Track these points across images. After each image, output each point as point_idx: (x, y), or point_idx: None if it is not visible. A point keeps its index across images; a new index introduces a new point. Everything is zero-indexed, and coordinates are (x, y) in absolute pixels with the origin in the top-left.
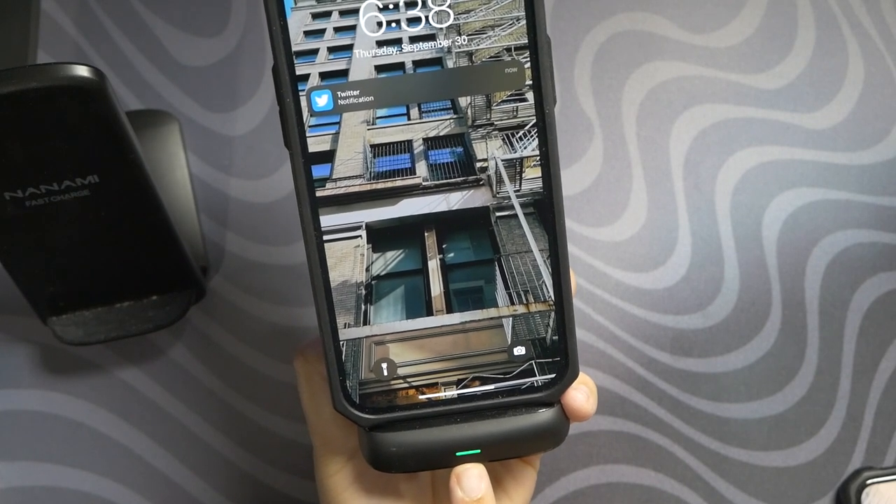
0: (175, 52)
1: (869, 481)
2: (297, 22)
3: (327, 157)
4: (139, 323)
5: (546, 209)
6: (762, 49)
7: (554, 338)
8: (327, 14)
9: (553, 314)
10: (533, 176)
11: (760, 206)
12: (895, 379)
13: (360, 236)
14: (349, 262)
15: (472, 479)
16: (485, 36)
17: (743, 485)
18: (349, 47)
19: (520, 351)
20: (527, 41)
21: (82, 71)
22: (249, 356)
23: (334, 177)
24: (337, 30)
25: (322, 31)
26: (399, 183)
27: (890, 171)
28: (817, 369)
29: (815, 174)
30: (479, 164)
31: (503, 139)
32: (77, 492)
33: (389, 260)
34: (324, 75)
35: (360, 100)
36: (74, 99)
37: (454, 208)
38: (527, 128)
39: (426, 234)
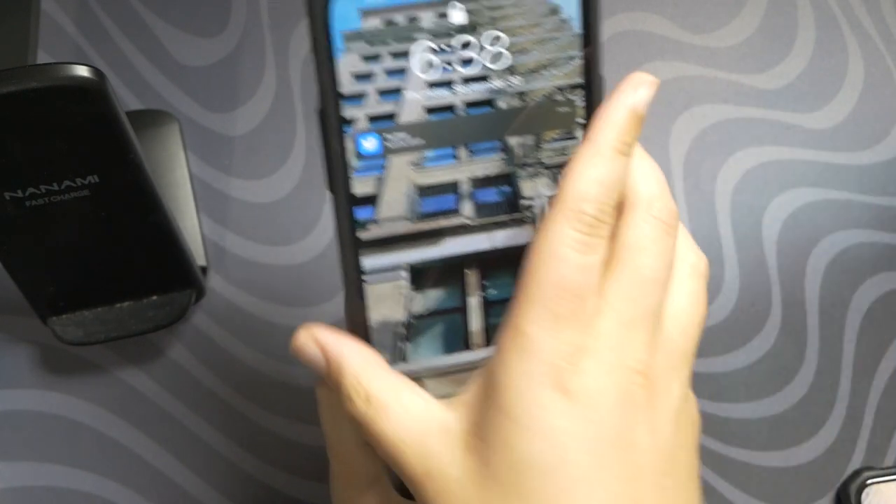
0: (175, 52)
1: (869, 481)
2: (347, 64)
3: (371, 199)
4: (139, 323)
5: None
6: (762, 49)
7: None
8: (378, 56)
9: None
10: None
11: (760, 206)
12: (895, 379)
13: (403, 277)
14: (389, 301)
15: None
16: (539, 76)
17: (743, 485)
18: (399, 90)
19: None
20: (579, 80)
21: (82, 71)
22: (249, 356)
23: (378, 218)
24: (388, 72)
25: (371, 75)
26: (444, 223)
27: (890, 171)
28: (817, 369)
29: (815, 174)
30: (524, 202)
31: (550, 177)
32: (77, 492)
33: (429, 298)
34: (372, 118)
35: (410, 143)
36: (74, 99)
37: (498, 247)
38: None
39: (468, 271)
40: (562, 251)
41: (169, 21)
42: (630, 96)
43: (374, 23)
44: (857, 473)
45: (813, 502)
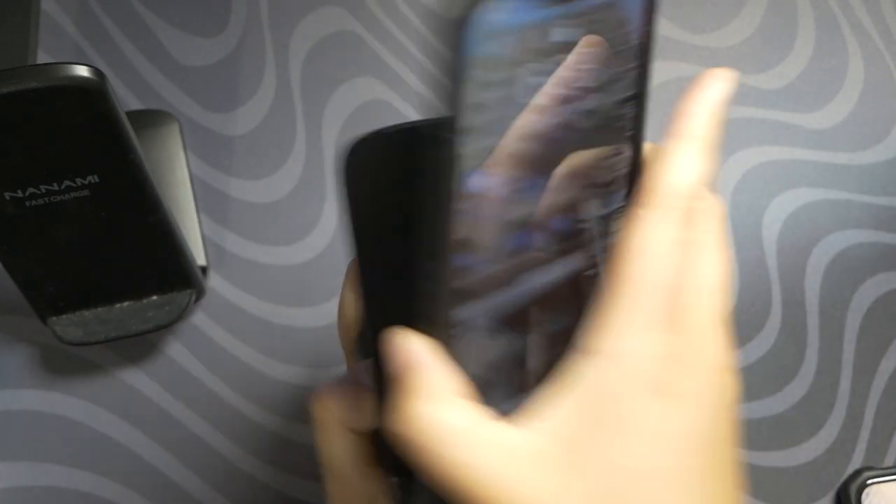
0: (175, 52)
1: (869, 481)
2: (467, 94)
3: (465, 242)
4: (139, 323)
5: None
6: (762, 49)
7: None
8: (490, 83)
9: None
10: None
11: (760, 206)
12: (895, 379)
13: (481, 325)
14: (467, 356)
15: None
16: (609, 90)
17: (743, 485)
18: (503, 119)
19: None
20: (632, 92)
21: (82, 71)
22: (249, 356)
23: (471, 264)
24: (497, 100)
25: (482, 105)
26: (524, 258)
27: (890, 171)
28: (817, 369)
29: (815, 174)
30: (580, 225)
31: (602, 195)
32: (77, 492)
33: (498, 344)
34: (478, 152)
35: (510, 175)
36: (74, 99)
37: (561, 276)
38: (619, 174)
39: (531, 307)
40: (659, 249)
41: (169, 21)
42: (713, 91)
43: (494, 47)
44: (857, 473)
45: (813, 502)
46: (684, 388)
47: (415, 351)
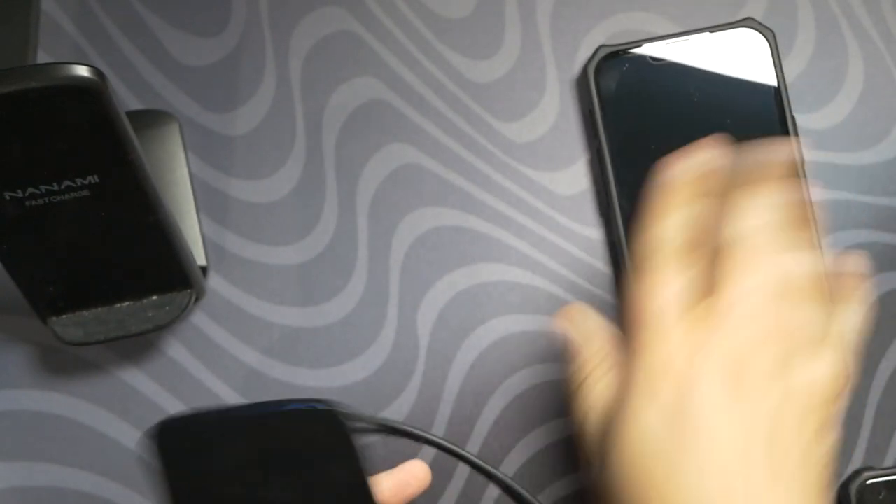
0: (175, 52)
1: (869, 481)
2: None
3: None
4: (139, 323)
5: None
6: None
7: None
8: None
9: None
10: None
11: None
12: (895, 379)
13: None
14: None
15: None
16: None
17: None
18: None
19: None
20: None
21: (82, 71)
22: (249, 356)
23: None
24: None
25: None
26: None
27: (890, 171)
28: None
29: (815, 174)
30: None
31: None
32: (77, 492)
33: None
34: None
35: None
36: (74, 99)
37: None
38: None
39: None
40: (653, 292)
41: (169, 21)
42: (678, 169)
43: None
44: (857, 473)
45: None
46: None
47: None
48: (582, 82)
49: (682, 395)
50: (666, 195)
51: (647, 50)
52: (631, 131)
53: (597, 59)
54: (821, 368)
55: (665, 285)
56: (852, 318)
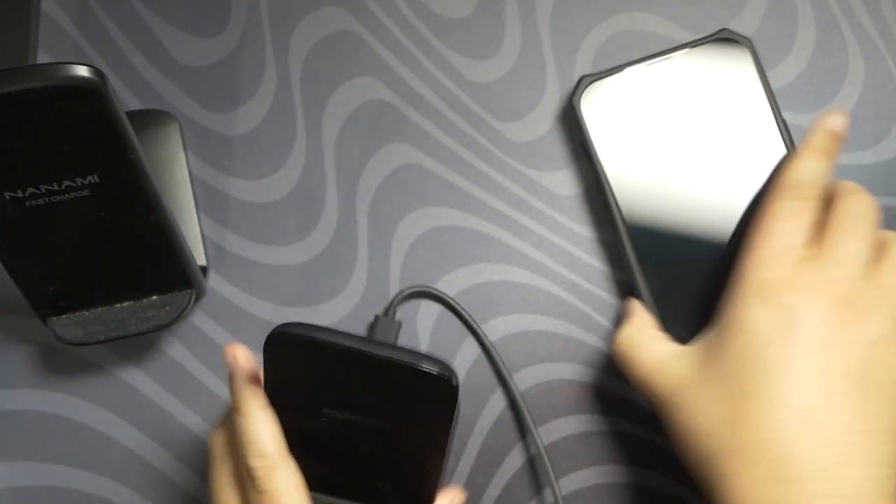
0: (175, 52)
1: None
2: None
3: None
4: (139, 323)
5: None
6: (762, 49)
7: None
8: None
9: None
10: None
11: None
12: None
13: None
14: None
15: None
16: None
17: None
18: None
19: None
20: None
21: (82, 71)
22: None
23: None
24: None
25: None
26: None
27: (890, 171)
28: None
29: None
30: None
31: None
32: (77, 492)
33: None
34: None
35: None
36: (75, 99)
37: None
38: None
39: None
40: (780, 219)
41: (169, 21)
42: (828, 122)
43: None
44: None
45: None
46: (795, 304)
47: (634, 306)
48: (569, 114)
49: (791, 307)
50: (820, 141)
51: (630, 73)
52: (626, 156)
53: (581, 89)
54: None
55: (792, 219)
56: None
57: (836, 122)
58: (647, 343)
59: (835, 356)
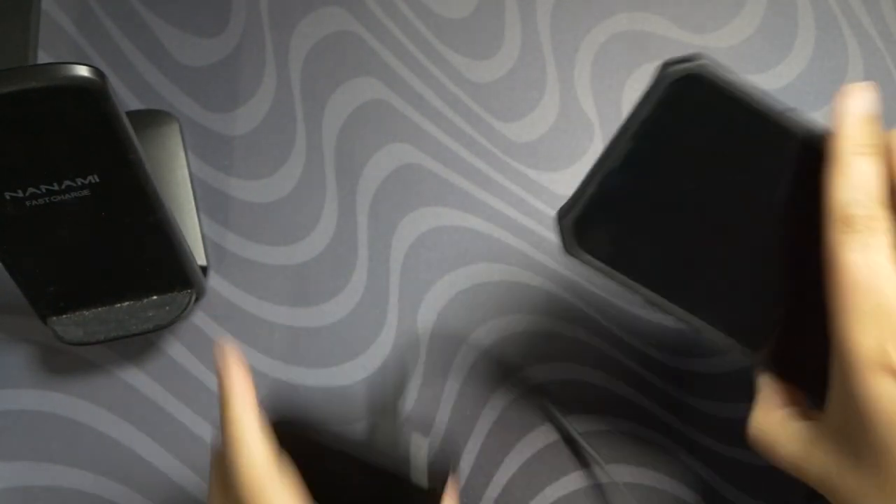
0: (175, 52)
1: None
2: None
3: None
4: (139, 322)
5: None
6: (762, 49)
7: None
8: None
9: None
10: None
11: None
12: None
13: None
14: None
15: None
16: None
17: (743, 485)
18: None
19: None
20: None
21: (83, 71)
22: (249, 356)
23: None
24: None
25: None
26: None
27: None
28: None
29: None
30: None
31: None
32: (77, 491)
33: None
34: None
35: None
36: (75, 99)
37: None
38: None
39: None
40: (856, 267)
41: (169, 21)
42: (850, 105)
43: None
44: None
45: (813, 502)
46: None
47: (760, 381)
48: (574, 258)
49: None
50: (854, 135)
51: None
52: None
53: (568, 239)
54: None
55: (868, 257)
56: None
57: (860, 102)
58: (780, 430)
59: None
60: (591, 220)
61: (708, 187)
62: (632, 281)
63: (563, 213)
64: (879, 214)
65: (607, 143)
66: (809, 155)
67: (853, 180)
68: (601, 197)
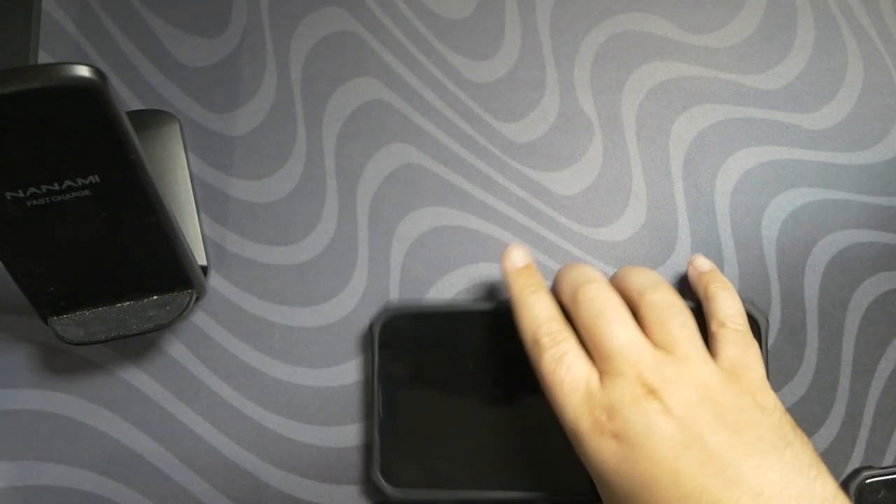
0: (175, 52)
1: (868, 480)
2: None
3: None
4: (140, 322)
5: None
6: (762, 49)
7: None
8: None
9: None
10: None
11: (760, 205)
12: (894, 378)
13: None
14: None
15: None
16: None
17: None
18: None
19: None
20: None
21: (83, 71)
22: (249, 355)
23: None
24: None
25: None
26: None
27: (890, 171)
28: (816, 369)
29: (814, 174)
30: None
31: None
32: (77, 491)
33: None
34: None
35: None
36: (75, 99)
37: None
38: None
39: None
40: (549, 368)
41: (169, 21)
42: (510, 262)
43: None
44: (856, 472)
45: None
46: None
47: None
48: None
49: (623, 435)
50: (516, 281)
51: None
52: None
53: (387, 490)
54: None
55: (560, 357)
56: (729, 303)
57: (516, 257)
58: None
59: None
60: (392, 463)
61: (451, 378)
62: (451, 491)
63: (372, 472)
64: (559, 327)
65: (374, 408)
66: (501, 320)
67: (532, 311)
68: (388, 441)
